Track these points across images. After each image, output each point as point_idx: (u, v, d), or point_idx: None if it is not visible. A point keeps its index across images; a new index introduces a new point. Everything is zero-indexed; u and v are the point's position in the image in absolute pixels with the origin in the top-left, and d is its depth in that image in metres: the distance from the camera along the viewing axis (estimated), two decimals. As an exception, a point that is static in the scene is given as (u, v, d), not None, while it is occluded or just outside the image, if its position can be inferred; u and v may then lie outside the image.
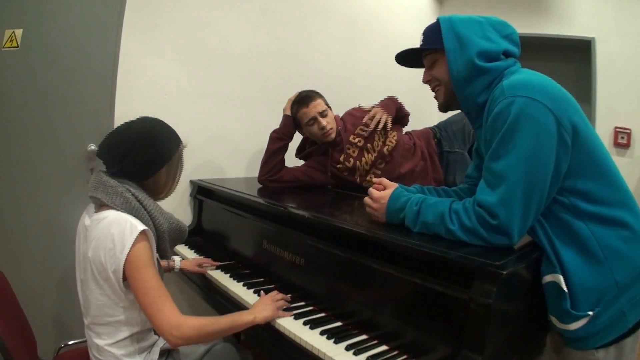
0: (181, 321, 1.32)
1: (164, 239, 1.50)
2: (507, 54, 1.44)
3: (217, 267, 2.03)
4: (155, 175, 1.49)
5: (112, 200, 1.39)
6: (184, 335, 1.31)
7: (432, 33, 1.50)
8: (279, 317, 1.54)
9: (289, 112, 2.45)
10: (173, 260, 2.03)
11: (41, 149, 2.20)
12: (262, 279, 1.89)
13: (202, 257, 2.14)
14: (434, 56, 1.52)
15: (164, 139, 1.52)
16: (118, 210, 1.38)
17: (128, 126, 1.49)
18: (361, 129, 2.42)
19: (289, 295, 1.66)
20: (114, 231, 1.33)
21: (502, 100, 1.28)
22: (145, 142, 1.46)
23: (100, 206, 1.42)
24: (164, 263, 1.99)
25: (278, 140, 2.43)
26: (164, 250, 1.54)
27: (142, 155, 1.45)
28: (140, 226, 1.35)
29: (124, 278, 1.35)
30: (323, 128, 2.34)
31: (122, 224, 1.34)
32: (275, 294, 1.63)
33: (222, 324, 1.41)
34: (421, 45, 1.54)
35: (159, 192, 1.54)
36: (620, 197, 1.32)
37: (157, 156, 1.48)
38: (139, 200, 1.42)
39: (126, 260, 1.32)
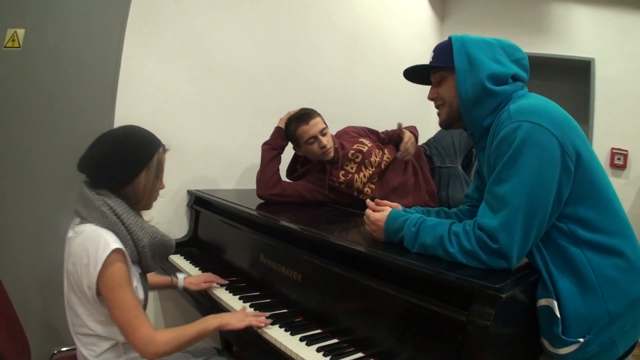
0: (155, 337, 1.35)
1: (144, 254, 1.47)
2: (515, 78, 1.45)
3: (223, 286, 1.97)
4: (135, 181, 1.44)
5: (89, 214, 1.38)
6: (158, 351, 1.35)
7: (443, 51, 1.50)
8: (248, 325, 1.55)
9: (282, 125, 2.44)
10: (176, 277, 1.97)
11: (39, 150, 2.19)
12: (257, 293, 1.88)
13: (208, 273, 2.03)
14: (443, 74, 1.52)
15: (140, 143, 1.48)
16: (95, 224, 1.38)
17: (104, 135, 1.47)
18: (359, 145, 2.43)
19: (268, 318, 1.62)
20: (88, 247, 1.33)
21: (508, 125, 1.28)
22: (120, 147, 1.44)
23: (82, 219, 1.42)
24: (165, 279, 1.98)
25: (271, 150, 2.41)
26: (146, 265, 1.52)
27: (119, 160, 1.42)
28: (114, 244, 1.34)
29: (99, 293, 1.36)
30: (324, 147, 2.31)
31: (97, 240, 1.34)
32: (251, 312, 1.63)
33: (193, 332, 1.45)
34: (431, 62, 1.54)
35: (139, 199, 1.48)
36: (618, 225, 1.33)
37: (134, 160, 1.44)
38: (116, 215, 1.39)
39: (100, 278, 1.33)
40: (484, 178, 1.52)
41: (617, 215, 1.34)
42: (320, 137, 2.32)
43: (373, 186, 2.39)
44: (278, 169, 2.42)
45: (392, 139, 2.56)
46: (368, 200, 1.67)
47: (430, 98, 1.60)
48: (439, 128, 2.35)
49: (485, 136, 1.45)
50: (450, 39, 1.50)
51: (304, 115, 2.36)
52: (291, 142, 2.45)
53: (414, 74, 1.63)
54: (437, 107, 1.59)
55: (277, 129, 2.45)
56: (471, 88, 1.42)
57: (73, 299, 1.40)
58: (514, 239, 1.23)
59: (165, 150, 1.55)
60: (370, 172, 2.39)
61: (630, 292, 1.29)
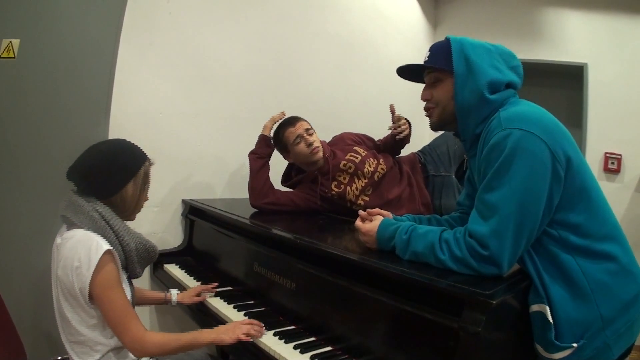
0: (145, 338, 1.39)
1: (131, 258, 1.53)
2: (509, 86, 1.44)
3: (216, 295, 1.96)
4: (122, 190, 1.51)
5: (79, 220, 1.42)
6: (147, 351, 1.40)
7: (440, 51, 1.47)
8: (239, 338, 1.52)
9: (267, 132, 2.47)
10: (170, 293, 1.96)
11: (34, 159, 2.20)
12: (252, 302, 1.88)
13: (200, 284, 2.03)
14: (438, 76, 1.50)
15: (128, 155, 1.55)
16: (85, 229, 1.41)
17: (93, 146, 1.53)
18: (352, 155, 2.41)
19: (263, 327, 1.61)
20: (80, 250, 1.37)
21: (499, 132, 1.29)
22: (109, 158, 1.51)
23: (70, 225, 1.45)
24: (159, 295, 1.97)
25: (258, 159, 2.42)
26: (132, 270, 1.56)
27: (107, 171, 1.49)
28: (106, 245, 1.39)
29: (91, 297, 1.38)
30: (310, 144, 2.32)
31: (88, 243, 1.38)
32: (245, 321, 1.60)
33: (184, 341, 1.47)
34: (426, 62, 1.51)
35: (127, 208, 1.55)
36: (608, 230, 1.34)
37: (122, 171, 1.51)
38: (105, 220, 1.45)
39: (93, 280, 1.36)
40: (475, 185, 1.52)
41: (606, 219, 1.35)
42: (307, 135, 2.34)
43: (367, 198, 2.37)
44: (268, 177, 2.43)
45: (387, 142, 2.56)
46: (360, 212, 1.66)
47: (424, 99, 1.56)
48: (433, 135, 2.36)
49: (476, 143, 1.45)
50: (448, 39, 1.48)
51: (290, 119, 2.41)
52: (280, 150, 2.46)
53: (407, 72, 1.61)
54: (428, 108, 1.56)
55: (262, 136, 2.47)
56: (469, 95, 1.41)
57: (63, 305, 1.42)
58: (504, 246, 1.24)
59: (151, 163, 1.61)
60: (363, 184, 2.36)
61: (622, 295, 1.30)
